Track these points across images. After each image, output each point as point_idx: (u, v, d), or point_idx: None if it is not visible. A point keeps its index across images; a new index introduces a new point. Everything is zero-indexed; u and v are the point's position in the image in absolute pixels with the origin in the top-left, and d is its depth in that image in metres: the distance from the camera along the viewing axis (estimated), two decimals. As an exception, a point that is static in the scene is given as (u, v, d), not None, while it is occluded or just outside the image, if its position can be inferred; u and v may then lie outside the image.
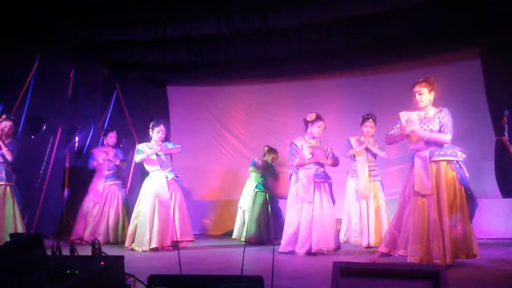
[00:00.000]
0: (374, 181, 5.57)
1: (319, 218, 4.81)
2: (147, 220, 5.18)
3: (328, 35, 6.84)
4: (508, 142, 6.15)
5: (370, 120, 5.65)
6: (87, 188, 6.38)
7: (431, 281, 1.61)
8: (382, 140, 5.39)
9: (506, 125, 6.12)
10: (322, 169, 5.05)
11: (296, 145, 5.01)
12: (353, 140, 5.72)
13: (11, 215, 5.18)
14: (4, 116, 5.37)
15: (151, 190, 5.32)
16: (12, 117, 5.51)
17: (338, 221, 6.04)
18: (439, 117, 3.84)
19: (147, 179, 5.50)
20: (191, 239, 5.49)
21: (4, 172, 5.25)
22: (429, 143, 3.81)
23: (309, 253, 4.75)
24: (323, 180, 5.00)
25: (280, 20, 6.59)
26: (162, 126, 5.48)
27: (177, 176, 5.54)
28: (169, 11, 6.67)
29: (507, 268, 3.71)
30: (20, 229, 5.14)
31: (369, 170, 5.58)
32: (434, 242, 3.59)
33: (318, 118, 5.01)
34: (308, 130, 5.08)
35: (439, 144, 3.80)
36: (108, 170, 6.30)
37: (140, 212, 5.32)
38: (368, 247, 5.26)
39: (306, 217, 4.83)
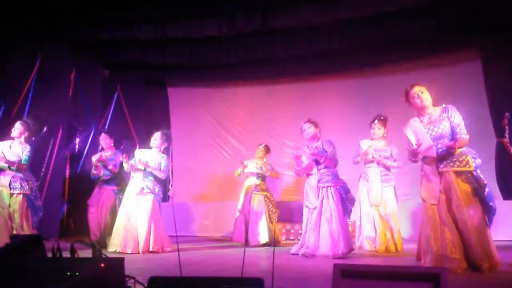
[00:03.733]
0: (386, 186, 5.33)
1: (323, 224, 4.77)
2: (118, 224, 5.31)
3: (329, 36, 6.86)
4: (508, 144, 6.14)
5: (375, 121, 5.39)
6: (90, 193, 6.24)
7: (431, 283, 1.61)
8: (397, 144, 5.29)
9: (506, 127, 6.11)
10: (327, 173, 4.91)
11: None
12: (363, 144, 5.45)
13: (18, 224, 5.03)
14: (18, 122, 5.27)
15: (125, 196, 5.45)
16: (23, 120, 5.35)
17: (351, 224, 5.90)
18: (448, 116, 3.66)
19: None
20: (155, 250, 5.14)
21: (18, 181, 5.10)
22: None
23: (312, 256, 4.74)
24: (329, 184, 4.88)
25: (281, 20, 6.60)
26: (159, 133, 5.51)
27: (149, 188, 5.34)
28: (170, 11, 6.69)
29: (509, 270, 3.69)
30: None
31: (381, 176, 5.34)
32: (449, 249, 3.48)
33: (304, 122, 5.03)
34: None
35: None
36: (104, 176, 5.92)
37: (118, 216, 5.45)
38: (375, 251, 5.14)
39: (310, 222, 4.85)
